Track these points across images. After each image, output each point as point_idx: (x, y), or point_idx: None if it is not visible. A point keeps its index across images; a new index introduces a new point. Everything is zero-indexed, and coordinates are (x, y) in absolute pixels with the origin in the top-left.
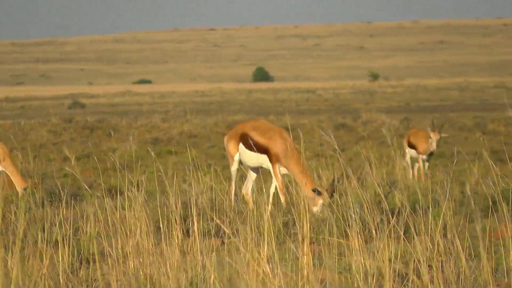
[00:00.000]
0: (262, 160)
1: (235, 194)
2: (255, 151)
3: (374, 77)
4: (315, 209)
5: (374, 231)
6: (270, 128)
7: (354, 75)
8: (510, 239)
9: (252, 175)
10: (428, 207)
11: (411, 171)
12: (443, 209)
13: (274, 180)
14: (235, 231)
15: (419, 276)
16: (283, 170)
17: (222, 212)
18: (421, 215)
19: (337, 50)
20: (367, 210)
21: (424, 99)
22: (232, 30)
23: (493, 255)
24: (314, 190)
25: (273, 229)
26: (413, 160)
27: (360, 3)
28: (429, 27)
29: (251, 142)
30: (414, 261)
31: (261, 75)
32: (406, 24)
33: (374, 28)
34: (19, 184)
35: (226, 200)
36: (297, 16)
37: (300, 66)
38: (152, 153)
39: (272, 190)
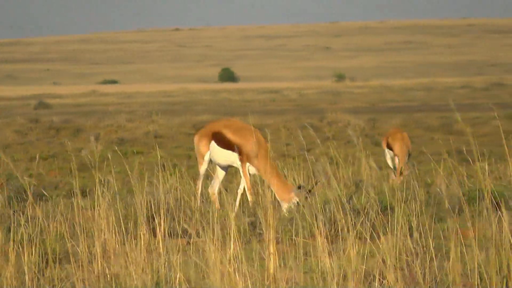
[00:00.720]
0: (233, 159)
1: (201, 194)
2: (227, 150)
3: (340, 77)
4: (286, 205)
5: (340, 231)
6: (243, 127)
7: (320, 75)
8: (476, 239)
9: (219, 175)
10: (395, 207)
11: (393, 173)
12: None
13: (242, 180)
14: (200, 231)
15: (385, 276)
16: (253, 170)
17: (188, 212)
18: (388, 215)
19: (302, 50)
20: (333, 210)
21: (390, 100)
22: (198, 30)
23: (459, 255)
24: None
25: (239, 229)
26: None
27: (325, 3)
28: (395, 27)
29: (223, 140)
30: (379, 261)
31: (227, 76)
32: (372, 24)
33: (340, 28)
34: None
35: (192, 200)
36: (263, 16)
37: (266, 66)
38: (120, 153)
39: (240, 190)
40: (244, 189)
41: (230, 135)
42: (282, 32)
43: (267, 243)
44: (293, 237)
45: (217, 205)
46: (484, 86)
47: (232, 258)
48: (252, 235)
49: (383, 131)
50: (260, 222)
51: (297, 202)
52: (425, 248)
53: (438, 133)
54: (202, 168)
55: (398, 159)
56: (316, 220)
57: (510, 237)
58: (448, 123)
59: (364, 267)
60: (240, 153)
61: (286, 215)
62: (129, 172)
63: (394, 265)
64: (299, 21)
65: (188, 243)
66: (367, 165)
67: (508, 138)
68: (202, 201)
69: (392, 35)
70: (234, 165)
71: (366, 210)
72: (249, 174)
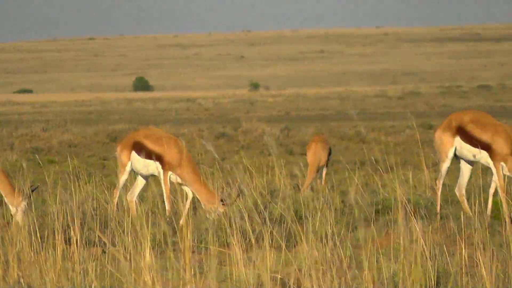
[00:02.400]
0: (155, 168)
1: (116, 204)
2: (148, 159)
3: (255, 86)
4: (212, 214)
5: (254, 240)
6: (164, 136)
7: (235, 84)
8: (391, 248)
9: (140, 183)
10: (310, 216)
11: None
12: (335, 217)
13: (188, 190)
14: (116, 240)
15: (299, 285)
16: (175, 178)
17: (104, 221)
18: (303, 224)
19: (217, 59)
20: (248, 219)
21: (304, 108)
22: (112, 39)
23: (374, 263)
24: (221, 200)
25: (154, 237)
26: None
27: (239, 13)
28: (309, 37)
29: (144, 150)
30: (295, 270)
31: (141, 85)
32: (286, 33)
33: (254, 37)
34: None
35: (108, 208)
36: (177, 25)
37: (180, 75)
38: (40, 161)
39: (189, 194)
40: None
41: (151, 145)
42: (196, 41)
43: (183, 252)
44: (209, 246)
45: (133, 212)
46: (399, 95)
47: (147, 267)
48: (167, 244)
49: (297, 139)
50: (175, 231)
51: (224, 211)
52: (340, 257)
53: (353, 142)
54: (122, 178)
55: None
56: (232, 229)
57: (424, 245)
58: (362, 132)
59: (279, 275)
60: (162, 162)
61: (213, 223)
62: (47, 181)
63: (310, 274)
64: (213, 30)
65: (104, 251)
66: (281, 174)
67: (423, 147)
68: (118, 210)
69: (306, 44)
70: (156, 174)
71: (281, 219)
72: (174, 183)
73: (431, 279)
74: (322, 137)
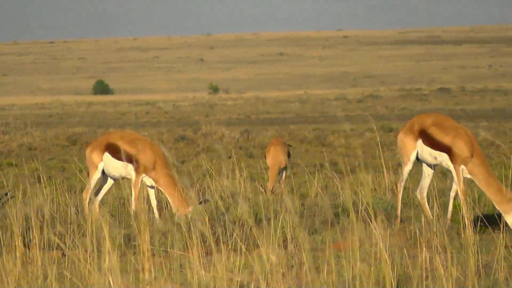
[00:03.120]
0: (128, 170)
1: (76, 206)
2: (122, 161)
3: (214, 89)
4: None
5: (213, 243)
6: (138, 139)
7: (194, 87)
8: (351, 251)
9: (107, 185)
10: (270, 219)
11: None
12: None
13: (150, 191)
14: (76, 243)
15: None
16: (150, 182)
17: (64, 224)
18: (263, 227)
19: (177, 62)
20: (209, 222)
21: (264, 112)
22: (72, 42)
23: (334, 267)
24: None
25: (114, 240)
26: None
27: (199, 16)
28: (269, 40)
29: (118, 152)
30: (254, 273)
31: (101, 88)
32: (246, 36)
33: (214, 40)
34: None
35: (68, 211)
36: (137, 28)
37: (140, 78)
38: None
39: (154, 204)
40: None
41: (125, 147)
42: (156, 44)
43: (142, 255)
44: (168, 249)
45: (96, 214)
46: (359, 98)
47: (106, 270)
48: (127, 247)
49: (257, 143)
50: (135, 234)
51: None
52: (299, 260)
53: (313, 145)
54: (93, 180)
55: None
56: (191, 233)
57: (384, 249)
58: (322, 135)
59: (239, 279)
60: (136, 164)
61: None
62: (5, 184)
63: (269, 277)
64: (173, 33)
65: (64, 255)
66: (241, 177)
67: (383, 150)
68: (76, 213)
69: (265, 47)
70: (129, 176)
71: (241, 222)
72: (149, 186)
73: (391, 283)
74: (280, 140)
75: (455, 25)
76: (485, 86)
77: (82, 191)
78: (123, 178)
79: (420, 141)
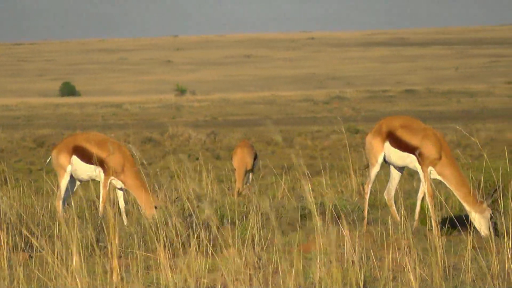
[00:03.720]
0: (97, 173)
1: (43, 208)
2: (90, 164)
3: (181, 91)
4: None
5: (180, 245)
6: (106, 140)
7: (161, 89)
8: (318, 253)
9: (75, 186)
10: (237, 221)
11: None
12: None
13: (118, 192)
14: (44, 245)
15: None
16: (119, 184)
17: (33, 225)
18: (230, 228)
19: (143, 64)
20: (176, 223)
21: (231, 113)
22: (38, 44)
23: (301, 268)
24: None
25: (82, 242)
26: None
27: (166, 17)
28: (236, 41)
29: (87, 154)
30: (221, 275)
31: (68, 90)
32: (212, 38)
33: (180, 42)
34: None
35: (35, 213)
36: (104, 30)
37: (107, 80)
38: None
39: (122, 205)
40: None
41: (94, 149)
42: (122, 46)
43: (110, 256)
44: (136, 250)
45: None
46: (325, 99)
47: (74, 271)
48: (95, 248)
49: (224, 144)
50: (103, 236)
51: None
52: (266, 262)
53: (279, 146)
54: (64, 182)
55: (236, 174)
56: (158, 234)
57: (351, 250)
58: (289, 137)
59: (206, 280)
60: (104, 167)
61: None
62: None
63: (236, 279)
64: (140, 35)
65: (31, 256)
66: (208, 179)
67: (349, 152)
68: (44, 215)
69: (232, 49)
70: (97, 179)
71: (208, 224)
72: (119, 189)
73: (359, 284)
74: (247, 142)
75: (422, 27)
76: (452, 87)
77: (49, 192)
78: (93, 180)
79: (387, 143)
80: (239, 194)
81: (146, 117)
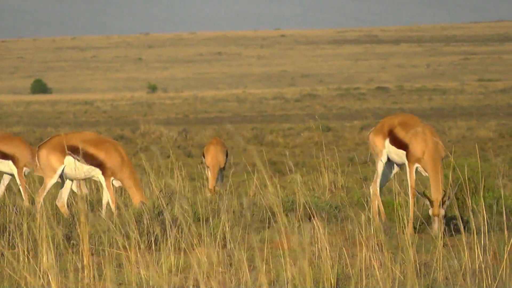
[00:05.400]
0: (95, 173)
1: (15, 206)
2: (89, 165)
3: (153, 88)
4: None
5: (153, 243)
6: (104, 141)
7: (133, 86)
8: (290, 250)
9: (67, 187)
10: (208, 219)
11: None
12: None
13: (105, 193)
14: (15, 243)
15: (199, 287)
16: (117, 183)
17: (2, 224)
18: (201, 226)
19: (115, 61)
20: (148, 221)
21: (202, 111)
22: (10, 42)
23: (271, 266)
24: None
25: (53, 240)
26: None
27: (136, 15)
28: (207, 39)
29: (85, 155)
30: (193, 272)
31: (39, 87)
32: (184, 36)
33: (152, 39)
34: None
35: (7, 211)
36: (75, 27)
37: (78, 78)
38: None
39: (104, 202)
40: (108, 201)
41: (92, 150)
42: (94, 44)
43: (82, 254)
44: (108, 248)
45: (66, 216)
46: (296, 97)
47: (45, 269)
48: (67, 246)
49: (196, 142)
50: (75, 233)
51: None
52: (238, 259)
53: (251, 144)
54: (50, 183)
55: (210, 172)
56: (130, 231)
57: (323, 247)
58: (260, 134)
59: (178, 277)
60: (103, 168)
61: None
62: None
63: (208, 276)
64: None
65: (2, 254)
66: (180, 176)
67: (320, 149)
68: (16, 212)
69: (203, 47)
70: (95, 179)
71: (179, 221)
72: (113, 187)
73: (331, 281)
74: (219, 140)
75: (393, 24)
76: (423, 85)
77: (20, 190)
78: (83, 179)
79: (387, 141)
80: (212, 191)
81: (117, 115)
